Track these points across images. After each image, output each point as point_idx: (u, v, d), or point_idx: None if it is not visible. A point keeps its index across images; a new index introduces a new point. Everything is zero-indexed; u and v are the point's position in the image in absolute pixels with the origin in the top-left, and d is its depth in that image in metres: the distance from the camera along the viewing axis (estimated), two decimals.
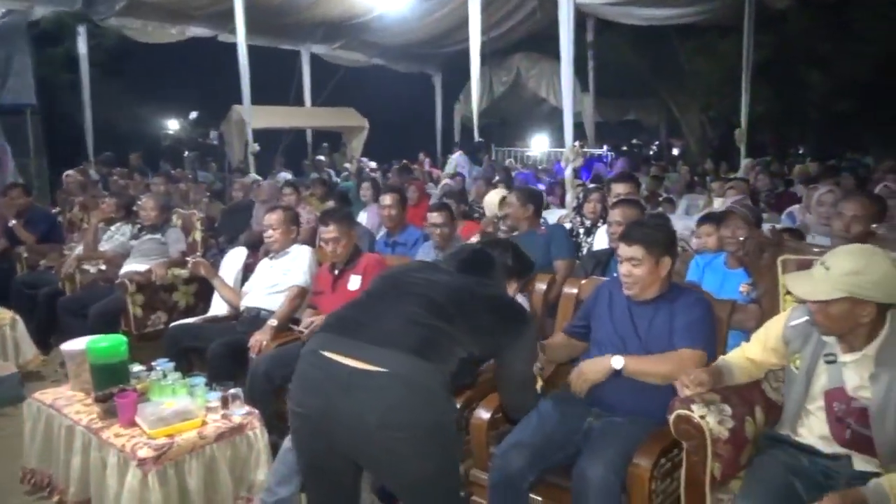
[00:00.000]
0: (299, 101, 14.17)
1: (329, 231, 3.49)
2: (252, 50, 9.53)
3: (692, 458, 2.13)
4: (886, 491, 1.77)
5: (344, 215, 3.63)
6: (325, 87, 14.88)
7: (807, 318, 2.03)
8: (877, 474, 1.89)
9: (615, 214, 3.42)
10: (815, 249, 2.49)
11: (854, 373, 1.96)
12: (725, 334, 2.61)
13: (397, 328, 1.85)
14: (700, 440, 2.09)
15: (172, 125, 14.56)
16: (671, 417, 2.14)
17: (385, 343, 1.81)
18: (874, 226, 2.40)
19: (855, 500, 1.77)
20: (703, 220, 3.57)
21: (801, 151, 15.91)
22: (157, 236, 4.85)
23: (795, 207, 5.26)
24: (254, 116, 9.89)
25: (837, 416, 1.98)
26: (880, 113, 12.60)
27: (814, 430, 2.07)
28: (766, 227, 3.97)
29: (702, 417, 2.09)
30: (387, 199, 4.60)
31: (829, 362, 2.00)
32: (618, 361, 2.37)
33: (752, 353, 2.27)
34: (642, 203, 3.74)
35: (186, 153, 11.95)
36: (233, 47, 9.40)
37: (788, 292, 2.47)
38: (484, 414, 2.55)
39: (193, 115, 11.24)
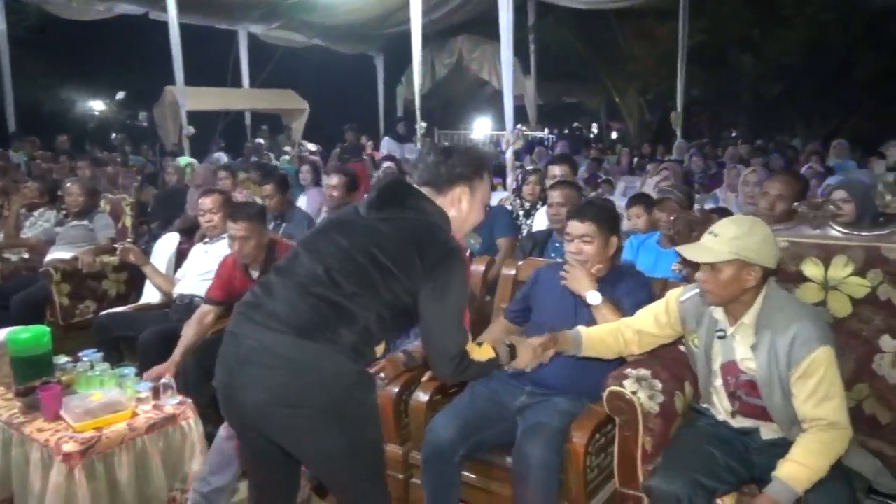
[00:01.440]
0: (237, 83, 13.76)
1: (237, 228, 3.18)
2: (186, 29, 9.21)
3: (624, 432, 2.18)
4: (786, 483, 1.85)
5: (255, 213, 3.29)
6: (264, 69, 14.51)
7: (696, 291, 2.13)
8: (784, 440, 1.99)
9: (554, 195, 3.46)
10: None
11: (739, 343, 2.05)
12: None
13: (286, 308, 1.78)
14: (632, 415, 2.15)
15: (98, 106, 13.91)
16: (604, 394, 2.20)
17: (274, 324, 1.77)
18: (796, 203, 2.49)
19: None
20: (633, 201, 3.65)
21: (734, 134, 16.42)
22: (84, 222, 4.66)
23: (720, 189, 5.43)
24: (189, 98, 9.57)
25: (730, 391, 2.09)
26: (805, 96, 13.12)
27: (722, 404, 2.16)
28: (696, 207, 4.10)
29: (633, 393, 2.15)
30: (333, 179, 4.55)
31: (720, 338, 2.09)
32: (595, 297, 2.41)
33: (643, 325, 2.29)
34: (580, 184, 3.78)
35: (114, 135, 11.48)
36: (165, 26, 9.05)
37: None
38: (422, 396, 2.56)
39: (121, 95, 10.75)
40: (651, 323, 2.28)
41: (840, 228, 2.33)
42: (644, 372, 2.22)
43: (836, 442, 1.88)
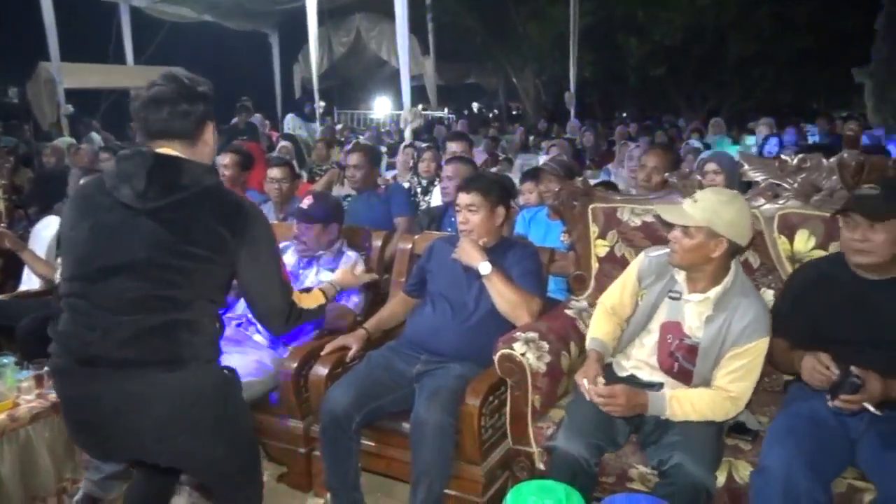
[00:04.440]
0: (120, 59, 12.97)
1: None
2: (62, 1, 8.57)
3: (515, 392, 2.31)
4: (667, 400, 2.04)
5: None
6: (149, 45, 13.73)
7: (665, 251, 2.20)
8: None
9: (448, 170, 3.55)
10: (618, 198, 2.75)
11: (693, 313, 2.13)
12: (546, 278, 2.83)
13: (124, 347, 1.61)
14: (521, 375, 2.28)
15: None
16: (496, 357, 2.31)
17: (123, 368, 1.62)
18: (667, 174, 2.69)
19: (638, 400, 2.04)
20: (524, 177, 3.79)
21: (624, 115, 17.19)
22: None
23: (611, 164, 5.73)
24: (66, 75, 8.97)
25: (669, 350, 2.18)
26: (686, 78, 13.94)
27: (639, 357, 2.26)
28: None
29: (522, 355, 2.27)
30: (225, 159, 4.38)
31: (672, 298, 2.18)
32: (485, 267, 2.46)
33: (613, 299, 2.37)
34: (474, 161, 3.88)
35: None
36: None
37: (599, 237, 2.74)
38: (322, 370, 2.58)
39: None
40: (618, 294, 2.35)
41: None
42: (532, 335, 2.34)
43: (727, 412, 2.05)
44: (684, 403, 2.04)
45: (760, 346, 2.04)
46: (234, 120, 9.25)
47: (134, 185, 1.63)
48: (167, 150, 1.70)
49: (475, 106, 20.01)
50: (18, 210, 4.96)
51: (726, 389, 2.04)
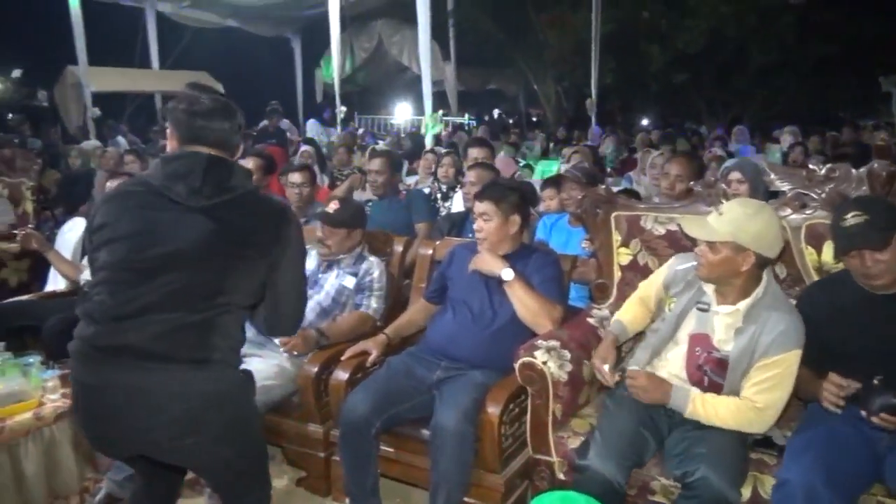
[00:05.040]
0: (145, 64, 13.17)
1: None
2: (89, 5, 8.71)
3: (536, 401, 2.29)
4: (690, 396, 2.04)
5: None
6: (174, 49, 13.92)
7: (693, 263, 2.17)
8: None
9: (470, 176, 3.55)
10: (642, 206, 2.72)
11: (722, 325, 2.09)
12: (568, 286, 2.81)
13: (153, 341, 1.62)
14: (542, 384, 2.26)
15: None
16: (517, 365, 2.29)
17: (147, 362, 1.63)
18: (692, 183, 2.66)
19: (662, 387, 2.07)
20: (545, 184, 3.78)
21: (644, 122, 17.08)
22: None
23: (633, 171, 5.69)
24: (93, 79, 9.11)
25: (698, 363, 2.14)
26: (708, 85, 13.83)
27: (668, 370, 2.21)
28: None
29: (544, 363, 2.26)
30: (249, 163, 4.42)
31: (701, 310, 2.14)
32: (508, 273, 2.47)
33: (644, 290, 2.39)
34: (495, 167, 3.88)
35: (10, 115, 10.77)
36: (65, 1, 8.55)
37: (622, 245, 2.72)
38: (342, 375, 2.58)
39: (17, 73, 10.05)
40: (648, 287, 2.37)
41: None
42: (553, 343, 2.33)
43: (751, 423, 2.01)
44: (707, 406, 2.02)
45: (790, 358, 1.99)
46: (264, 123, 9.30)
47: (189, 182, 1.67)
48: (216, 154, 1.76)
49: (500, 114, 19.94)
50: (45, 211, 5.04)
51: (752, 400, 2.00)
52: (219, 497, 2.00)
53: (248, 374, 1.83)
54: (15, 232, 4.13)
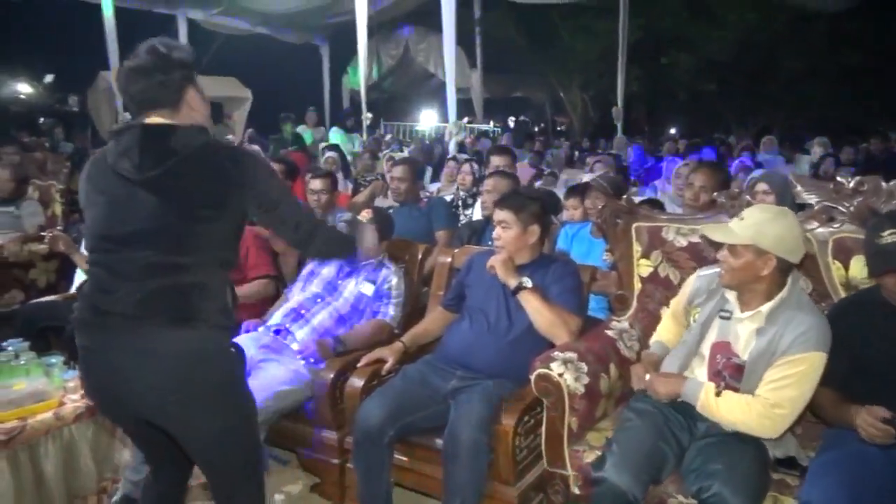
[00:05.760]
0: None
1: None
2: (122, 12, 8.88)
3: (551, 413, 2.26)
4: (702, 388, 2.01)
5: None
6: (205, 56, 14.13)
7: (716, 270, 2.15)
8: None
9: (488, 184, 3.54)
10: (663, 217, 2.68)
11: (744, 331, 2.06)
12: (587, 297, 2.78)
13: (139, 306, 1.69)
14: (558, 396, 2.23)
15: (25, 89, 13.27)
16: (532, 376, 2.27)
17: (137, 328, 1.70)
18: (715, 194, 2.61)
19: (675, 382, 2.07)
20: (569, 193, 3.75)
21: (672, 131, 16.92)
22: (11, 209, 4.51)
23: (658, 181, 5.62)
24: None
25: (717, 370, 2.12)
26: (736, 94, 13.64)
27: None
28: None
29: (560, 375, 2.23)
30: None
31: (723, 318, 2.12)
32: (527, 281, 2.47)
33: (675, 305, 2.37)
34: (515, 175, 3.86)
35: (42, 119, 11.02)
36: (98, 8, 8.74)
37: (643, 256, 2.68)
38: (357, 382, 2.58)
39: (49, 78, 10.32)
40: (677, 302, 2.35)
41: None
42: (570, 354, 2.30)
43: (762, 421, 1.92)
44: (719, 400, 1.98)
45: (810, 359, 1.92)
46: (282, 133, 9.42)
47: (131, 157, 1.70)
48: (156, 119, 1.75)
49: (517, 119, 19.86)
50: (74, 214, 5.12)
51: (765, 397, 1.94)
52: (212, 495, 1.99)
53: (239, 350, 1.87)
54: (43, 234, 4.21)
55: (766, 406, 1.93)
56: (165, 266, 1.71)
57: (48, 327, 3.46)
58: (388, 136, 12.86)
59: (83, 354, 1.81)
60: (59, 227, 4.49)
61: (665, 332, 2.40)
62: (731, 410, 1.97)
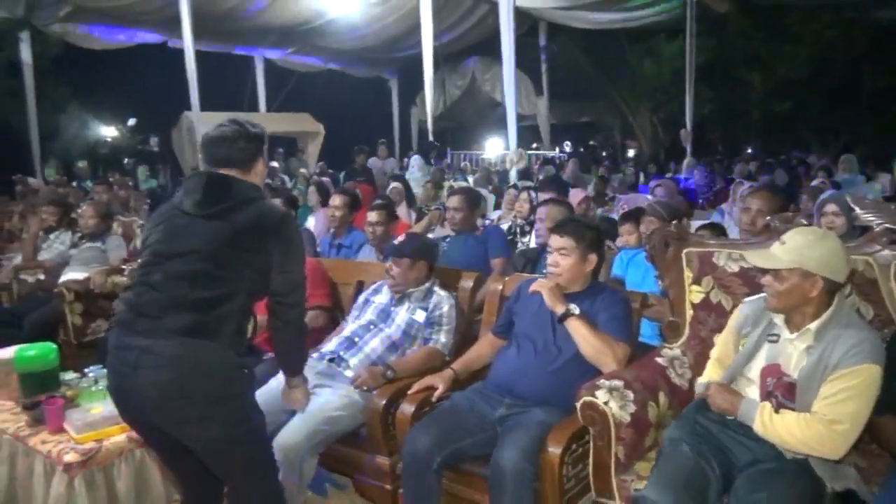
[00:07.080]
0: (253, 108, 14.09)
1: None
2: (203, 56, 9.45)
3: (598, 442, 2.24)
4: (758, 408, 1.97)
5: None
6: (280, 93, 14.82)
7: (761, 296, 2.13)
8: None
9: (541, 212, 3.56)
10: (714, 242, 2.63)
11: (793, 348, 2.03)
12: (639, 323, 2.74)
13: (166, 314, 1.96)
14: (604, 425, 2.20)
15: (110, 132, 14.27)
16: (578, 404, 2.25)
17: (158, 330, 1.96)
18: (769, 218, 2.55)
19: (733, 398, 2.03)
20: (623, 218, 3.72)
21: (749, 151, 16.39)
22: (97, 244, 4.82)
23: (726, 203, 5.48)
24: (205, 123, 9.82)
25: (768, 391, 2.07)
26: (814, 113, 13.09)
27: None
28: (694, 223, 4.15)
29: (605, 403, 2.20)
30: (336, 200, 4.61)
31: (771, 341, 2.09)
32: (574, 308, 2.48)
33: (720, 351, 2.31)
34: (569, 203, 3.86)
35: (126, 160, 11.80)
36: (182, 53, 9.33)
37: (694, 282, 2.63)
38: (408, 409, 2.63)
39: (132, 121, 11.13)
40: (723, 346, 2.29)
41: None
42: (617, 383, 2.27)
43: (821, 438, 1.86)
44: (775, 419, 1.92)
45: (864, 371, 1.86)
46: (355, 166, 9.74)
47: (194, 196, 2.06)
48: (224, 172, 2.11)
49: (586, 145, 19.62)
50: None
51: (823, 413, 1.87)
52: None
53: (251, 372, 2.14)
54: (125, 267, 4.49)
55: (825, 423, 1.87)
56: (205, 275, 1.98)
57: None
58: (463, 164, 13.03)
59: (109, 353, 2.05)
60: (138, 260, 4.78)
61: (713, 375, 2.27)
62: (788, 429, 1.91)
